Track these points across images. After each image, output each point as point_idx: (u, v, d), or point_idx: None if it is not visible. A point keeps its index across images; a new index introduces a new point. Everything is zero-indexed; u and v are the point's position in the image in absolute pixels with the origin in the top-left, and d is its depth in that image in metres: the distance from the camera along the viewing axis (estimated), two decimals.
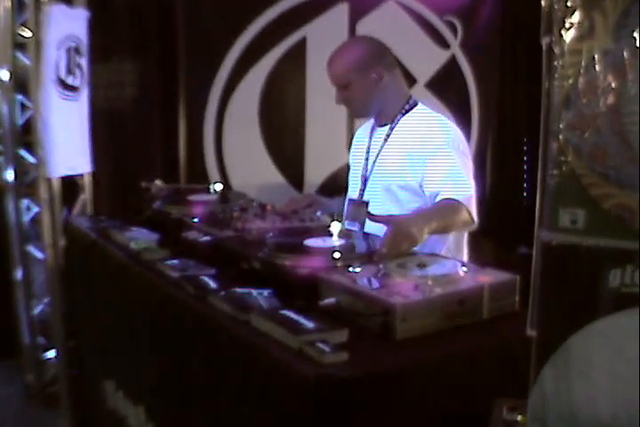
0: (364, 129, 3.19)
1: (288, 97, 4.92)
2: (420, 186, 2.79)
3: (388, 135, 2.94)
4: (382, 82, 2.89)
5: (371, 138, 3.05)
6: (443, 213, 2.67)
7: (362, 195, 2.99)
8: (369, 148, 3.04)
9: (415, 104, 2.98)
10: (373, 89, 2.89)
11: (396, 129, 2.94)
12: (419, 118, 2.93)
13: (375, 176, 2.96)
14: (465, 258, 2.93)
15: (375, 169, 2.96)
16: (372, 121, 3.09)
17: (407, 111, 2.95)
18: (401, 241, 2.28)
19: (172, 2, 4.40)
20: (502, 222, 5.35)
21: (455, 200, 2.65)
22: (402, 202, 2.84)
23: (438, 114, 3.03)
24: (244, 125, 4.73)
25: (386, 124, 2.97)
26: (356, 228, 2.74)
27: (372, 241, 2.43)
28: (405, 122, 2.93)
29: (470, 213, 2.70)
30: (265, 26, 4.62)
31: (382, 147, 2.95)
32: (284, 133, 4.94)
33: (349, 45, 3.10)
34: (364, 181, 3.00)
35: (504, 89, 5.69)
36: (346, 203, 3.09)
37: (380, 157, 2.95)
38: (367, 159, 3.01)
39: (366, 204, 2.88)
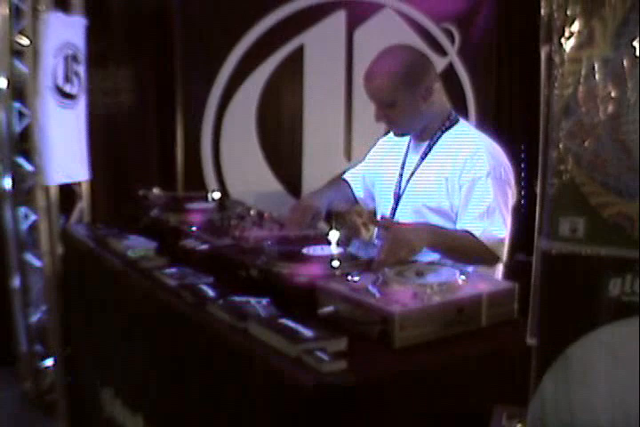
0: (395, 139, 2.93)
1: (286, 104, 4.93)
2: (453, 211, 2.64)
3: (426, 153, 2.75)
4: (431, 97, 2.67)
5: (407, 153, 2.85)
6: (455, 235, 2.57)
7: (394, 213, 2.81)
8: (404, 163, 2.84)
9: (456, 120, 2.79)
10: (422, 105, 2.67)
11: (435, 147, 2.74)
12: (460, 138, 2.73)
13: (408, 195, 2.78)
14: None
15: (409, 187, 2.78)
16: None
17: (448, 128, 2.76)
18: (399, 248, 2.26)
19: (169, 9, 4.41)
20: None
21: (478, 239, 2.53)
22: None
23: (480, 133, 2.84)
24: (241, 133, 4.74)
25: (424, 141, 2.78)
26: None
27: (371, 249, 2.42)
28: (446, 140, 2.74)
29: (496, 253, 2.57)
30: (263, 33, 4.63)
31: (419, 165, 2.76)
32: (281, 141, 4.94)
33: (392, 56, 2.73)
34: (397, 198, 2.81)
35: (501, 96, 5.70)
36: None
37: (415, 175, 2.76)
38: (401, 175, 2.82)
39: None
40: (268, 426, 1.72)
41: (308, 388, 1.57)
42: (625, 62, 1.14)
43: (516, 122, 5.75)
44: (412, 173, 2.79)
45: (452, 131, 2.77)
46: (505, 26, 5.55)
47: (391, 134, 2.96)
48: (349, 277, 2.01)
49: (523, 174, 5.75)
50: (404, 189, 2.81)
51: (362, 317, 1.84)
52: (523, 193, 5.77)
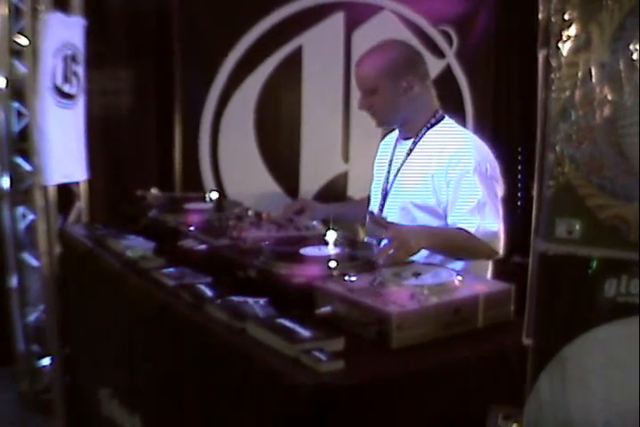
0: (390, 139, 3.06)
1: (284, 106, 4.92)
2: (441, 207, 2.69)
3: (411, 150, 2.82)
4: (412, 92, 2.75)
5: (394, 150, 2.94)
6: (451, 235, 2.62)
7: (381, 209, 2.89)
8: (391, 161, 2.92)
9: (442, 118, 2.85)
10: (401, 98, 2.76)
11: (419, 144, 2.81)
12: (444, 135, 2.81)
13: (395, 192, 2.85)
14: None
15: (395, 184, 2.85)
16: (397, 131, 2.97)
17: (433, 125, 2.82)
18: (396, 249, 2.28)
19: (168, 10, 4.40)
20: None
21: (472, 235, 2.57)
22: (419, 222, 2.73)
23: (465, 130, 2.93)
24: (239, 134, 4.73)
25: (409, 138, 2.86)
26: (374, 242, 2.62)
27: (369, 250, 2.43)
28: (430, 137, 2.81)
29: (493, 247, 2.61)
30: (261, 34, 4.62)
31: (404, 162, 2.83)
32: (279, 142, 4.93)
33: (383, 48, 2.87)
34: (385, 195, 2.89)
35: (499, 98, 5.71)
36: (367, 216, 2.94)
37: (401, 172, 2.84)
38: (389, 172, 2.90)
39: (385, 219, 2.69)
40: (266, 426, 1.73)
41: (305, 388, 1.58)
42: (621, 66, 1.15)
43: (513, 124, 5.76)
44: (398, 170, 2.86)
45: (436, 128, 2.83)
46: (502, 28, 5.56)
47: (384, 142, 3.10)
48: (347, 278, 2.02)
49: (520, 176, 5.76)
50: (391, 186, 2.88)
51: (359, 317, 1.84)
52: (520, 195, 5.78)
